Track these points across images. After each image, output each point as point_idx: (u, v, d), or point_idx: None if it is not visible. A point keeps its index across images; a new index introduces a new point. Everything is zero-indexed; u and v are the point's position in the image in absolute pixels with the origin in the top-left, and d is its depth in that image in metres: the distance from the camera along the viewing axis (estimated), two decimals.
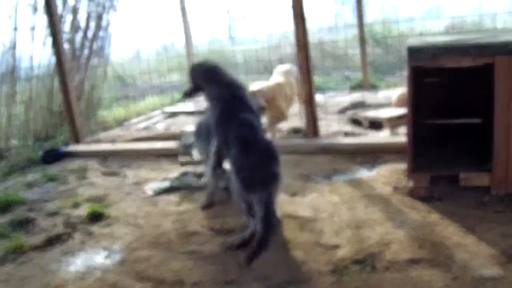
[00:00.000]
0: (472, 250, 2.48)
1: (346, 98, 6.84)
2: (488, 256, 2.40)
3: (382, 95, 6.60)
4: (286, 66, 5.56)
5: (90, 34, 7.46)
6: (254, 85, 4.91)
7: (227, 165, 3.26)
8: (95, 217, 3.55)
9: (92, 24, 7.47)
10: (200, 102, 7.64)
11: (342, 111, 6.17)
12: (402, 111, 5.00)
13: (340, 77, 8.81)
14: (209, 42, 11.69)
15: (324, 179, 3.81)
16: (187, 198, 3.76)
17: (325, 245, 2.75)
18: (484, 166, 3.11)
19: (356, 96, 6.83)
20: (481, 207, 2.96)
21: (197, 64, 3.39)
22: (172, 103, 8.63)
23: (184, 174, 4.22)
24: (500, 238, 2.56)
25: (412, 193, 3.24)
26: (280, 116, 5.09)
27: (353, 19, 8.11)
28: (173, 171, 4.39)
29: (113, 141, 5.83)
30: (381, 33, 9.25)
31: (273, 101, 4.87)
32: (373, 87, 7.49)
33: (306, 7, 4.44)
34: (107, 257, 2.96)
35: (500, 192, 3.05)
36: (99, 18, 7.56)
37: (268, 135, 4.88)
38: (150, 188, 4.08)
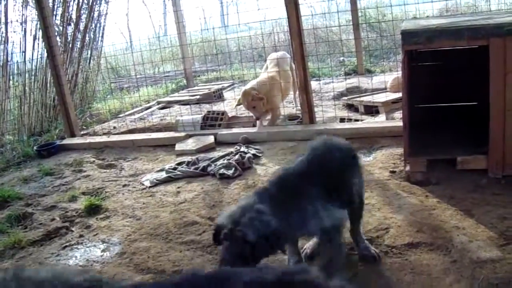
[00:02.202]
0: (471, 233, 2.49)
1: (341, 84, 6.81)
2: (486, 239, 2.41)
3: (377, 80, 6.57)
4: (279, 54, 5.52)
5: (81, 26, 7.39)
6: (247, 84, 4.91)
7: None
8: (93, 210, 3.55)
9: (84, 16, 7.41)
10: (194, 92, 7.61)
11: (338, 97, 6.15)
12: (397, 95, 5.00)
13: (335, 63, 8.77)
14: (201, 31, 11.59)
15: None
16: (184, 188, 3.76)
17: None
18: (481, 149, 3.10)
19: (351, 81, 6.80)
20: (478, 190, 2.96)
21: None
22: (166, 93, 8.59)
23: (180, 164, 4.20)
24: (498, 220, 2.56)
25: (409, 178, 3.24)
26: (272, 110, 5.08)
27: (346, 4, 8.07)
28: (169, 162, 4.38)
29: (108, 133, 5.80)
30: (375, 17, 9.19)
31: (267, 96, 4.87)
32: (368, 72, 7.46)
33: None
34: (106, 249, 2.96)
35: (497, 175, 3.04)
36: (91, 9, 7.48)
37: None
38: (146, 179, 4.06)
